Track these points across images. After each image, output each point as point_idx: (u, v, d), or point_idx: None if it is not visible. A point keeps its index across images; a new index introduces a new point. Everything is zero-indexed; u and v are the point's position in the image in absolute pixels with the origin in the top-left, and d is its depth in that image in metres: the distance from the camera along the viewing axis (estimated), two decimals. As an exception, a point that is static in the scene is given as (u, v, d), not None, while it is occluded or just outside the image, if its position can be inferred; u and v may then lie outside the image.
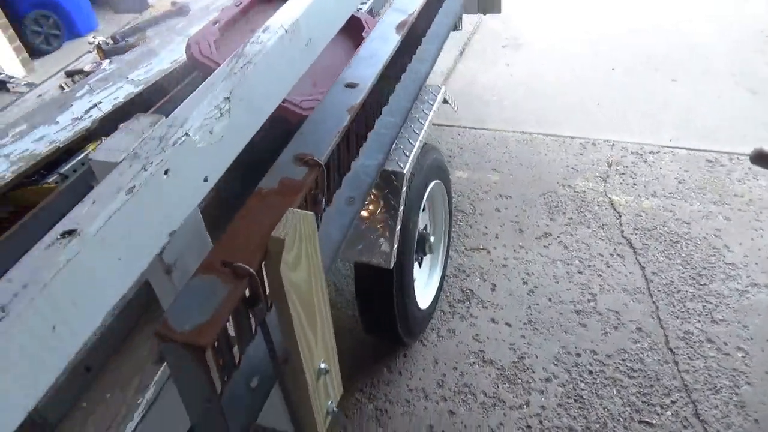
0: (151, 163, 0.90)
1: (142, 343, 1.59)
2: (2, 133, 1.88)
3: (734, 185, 3.22)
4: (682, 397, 2.26)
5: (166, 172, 0.91)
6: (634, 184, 3.32)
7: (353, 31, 2.16)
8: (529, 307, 2.70)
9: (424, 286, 2.61)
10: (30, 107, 2.19)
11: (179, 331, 0.83)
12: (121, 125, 1.03)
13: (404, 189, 1.93)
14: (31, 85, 2.75)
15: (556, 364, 2.44)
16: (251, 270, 0.93)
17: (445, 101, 2.44)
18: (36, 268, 0.73)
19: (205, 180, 1.02)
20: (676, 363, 2.37)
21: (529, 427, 2.24)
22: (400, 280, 2.10)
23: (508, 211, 3.26)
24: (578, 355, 2.46)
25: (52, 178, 1.80)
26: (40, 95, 2.35)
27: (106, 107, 1.97)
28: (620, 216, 3.12)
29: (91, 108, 1.97)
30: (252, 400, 1.15)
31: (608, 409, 2.25)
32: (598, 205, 3.21)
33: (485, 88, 4.51)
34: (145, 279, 1.50)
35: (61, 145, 1.82)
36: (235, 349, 1.07)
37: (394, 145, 1.89)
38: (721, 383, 2.28)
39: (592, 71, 4.52)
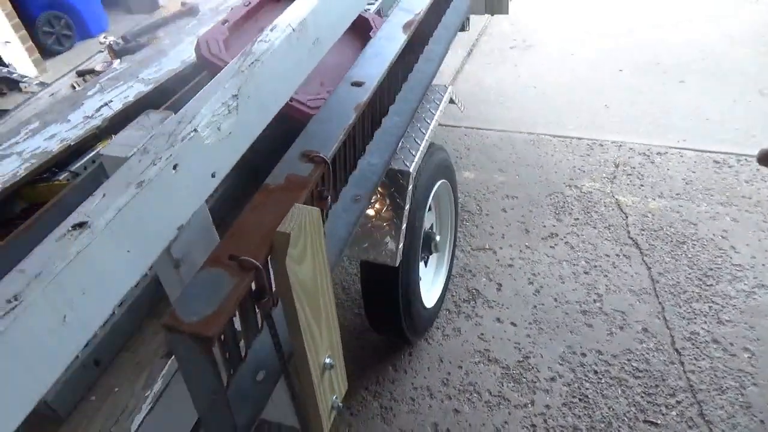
0: (160, 158, 0.92)
1: (150, 339, 1.61)
2: (15, 131, 1.91)
3: (742, 186, 3.21)
4: (687, 397, 2.25)
5: (174, 167, 0.93)
6: (641, 185, 3.32)
7: (361, 31, 2.17)
8: (535, 306, 2.70)
9: (430, 284, 2.62)
10: (42, 106, 2.23)
11: (186, 322, 0.85)
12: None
13: (410, 188, 1.95)
14: (43, 85, 2.79)
15: (561, 364, 2.44)
16: (257, 263, 0.95)
17: (451, 101, 2.45)
18: (48, 259, 0.75)
19: (213, 175, 1.04)
20: (682, 363, 2.37)
21: (533, 425, 2.24)
22: (405, 278, 2.12)
23: (515, 212, 3.27)
24: (583, 354, 2.46)
25: (63, 176, 1.83)
26: (53, 94, 2.39)
27: (117, 106, 2.00)
28: (627, 217, 3.12)
29: (101, 107, 2.00)
30: (258, 394, 1.16)
31: (613, 409, 2.25)
32: (605, 206, 3.21)
33: (492, 89, 4.52)
34: (154, 277, 1.54)
35: (72, 143, 1.85)
36: (242, 344, 1.09)
37: (400, 144, 1.91)
38: (726, 384, 2.27)
39: (600, 72, 4.51)
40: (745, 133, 3.62)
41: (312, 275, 1.07)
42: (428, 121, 2.18)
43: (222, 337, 0.94)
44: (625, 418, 2.22)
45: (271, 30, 1.24)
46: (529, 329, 2.60)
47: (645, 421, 2.20)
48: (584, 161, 3.58)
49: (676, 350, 2.43)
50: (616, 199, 3.24)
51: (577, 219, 3.15)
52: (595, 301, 2.68)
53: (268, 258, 1.00)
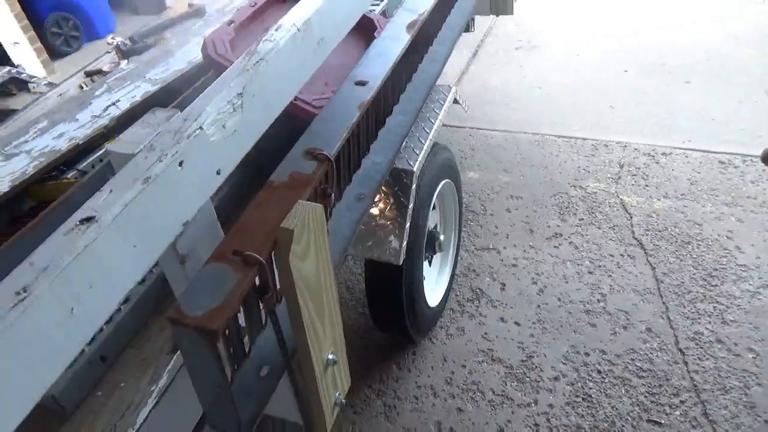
0: (167, 155, 0.93)
1: (156, 336, 1.63)
2: (24, 130, 1.93)
3: (747, 187, 3.21)
4: (691, 397, 2.25)
5: (180, 164, 0.95)
6: (646, 186, 3.32)
7: (365, 32, 2.19)
8: (539, 306, 2.71)
9: (434, 283, 2.63)
10: (51, 105, 2.25)
11: (191, 315, 0.87)
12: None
13: (414, 187, 1.96)
14: (51, 85, 2.81)
15: (564, 363, 2.45)
16: (261, 259, 0.96)
17: (455, 101, 2.46)
18: (56, 253, 0.77)
19: (218, 173, 1.06)
20: (686, 363, 2.37)
21: (536, 425, 2.25)
22: (409, 276, 2.13)
23: (519, 212, 3.27)
24: (587, 354, 2.46)
25: (71, 174, 1.85)
26: (61, 94, 2.41)
27: (124, 105, 2.02)
28: (631, 217, 3.12)
29: (109, 106, 2.02)
30: (261, 389, 1.17)
31: (616, 408, 2.25)
32: (610, 206, 3.21)
33: (497, 90, 4.53)
34: (159, 274, 1.56)
35: (80, 142, 1.87)
36: (246, 340, 1.11)
37: (404, 144, 1.92)
38: (730, 384, 2.27)
39: (604, 73, 4.52)
40: (751, 134, 3.61)
41: (315, 272, 1.08)
42: (432, 120, 2.19)
43: (226, 332, 0.95)
44: (629, 418, 2.22)
45: (276, 30, 1.26)
46: (533, 329, 2.61)
47: (648, 421, 2.20)
48: (589, 162, 3.58)
49: (680, 350, 2.42)
50: (621, 200, 3.24)
51: (582, 219, 3.15)
52: (599, 300, 2.69)
53: (272, 254, 1.01)
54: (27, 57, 5.48)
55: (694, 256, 2.83)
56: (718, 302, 2.59)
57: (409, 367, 2.54)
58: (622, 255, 2.90)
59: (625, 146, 3.66)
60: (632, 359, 2.42)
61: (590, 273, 2.83)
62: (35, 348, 0.73)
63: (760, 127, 3.66)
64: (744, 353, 2.38)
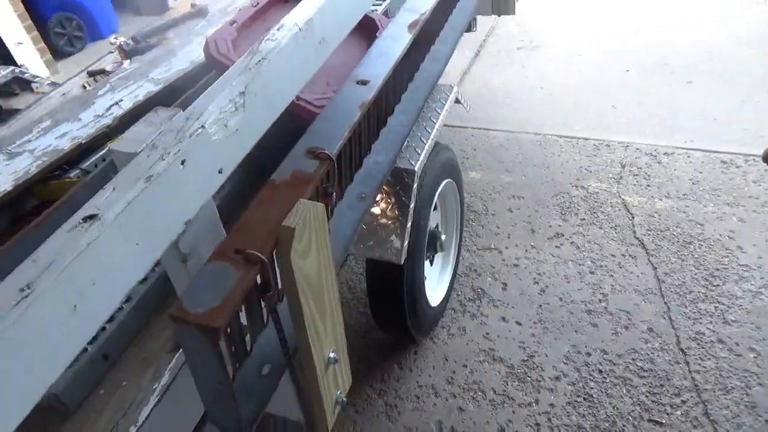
0: (169, 153, 0.94)
1: (158, 335, 1.63)
2: (27, 130, 1.94)
3: (749, 187, 3.20)
4: (692, 396, 2.25)
5: (182, 163, 0.95)
6: (648, 186, 3.32)
7: (367, 32, 2.19)
8: (540, 306, 2.71)
9: (435, 283, 2.64)
10: (54, 105, 2.26)
11: (193, 313, 0.87)
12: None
13: (415, 186, 1.96)
14: (54, 85, 2.82)
15: (566, 363, 2.45)
16: (263, 257, 0.96)
17: (457, 101, 2.46)
18: (59, 250, 0.77)
19: (220, 171, 1.06)
20: (687, 363, 2.37)
21: (537, 424, 2.25)
22: (410, 275, 2.13)
23: (521, 212, 3.28)
24: (588, 354, 2.47)
25: (74, 173, 1.86)
26: (64, 94, 2.42)
27: (127, 105, 2.03)
28: (633, 217, 3.12)
29: (112, 106, 2.03)
30: (263, 388, 1.18)
31: (617, 408, 2.25)
32: (611, 206, 3.21)
33: (499, 90, 4.53)
34: (161, 273, 1.56)
35: (83, 142, 1.88)
36: (248, 339, 1.11)
37: (405, 143, 1.93)
38: (732, 384, 2.27)
39: (606, 73, 4.52)
40: (753, 134, 3.61)
41: (317, 270, 1.08)
42: (434, 120, 2.19)
43: (228, 330, 0.96)
44: (630, 417, 2.22)
45: (278, 29, 1.26)
46: (534, 328, 2.61)
47: (650, 420, 2.20)
48: (591, 162, 3.58)
49: (682, 350, 2.43)
50: (623, 200, 3.24)
51: (583, 219, 3.15)
52: (600, 300, 2.69)
53: (274, 253, 1.02)
54: (30, 57, 5.50)
55: (696, 256, 2.83)
56: (719, 302, 2.59)
57: (411, 366, 2.54)
58: (623, 255, 2.90)
59: (627, 146, 3.66)
60: (633, 359, 2.42)
61: (592, 273, 2.83)
62: (39, 344, 0.73)
63: (763, 127, 3.65)
64: (745, 353, 2.38)
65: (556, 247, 3.01)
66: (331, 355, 1.23)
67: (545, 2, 5.83)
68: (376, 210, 1.96)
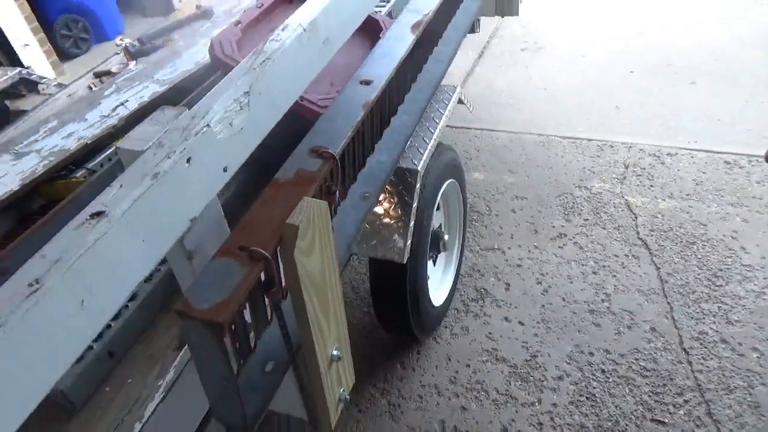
0: (175, 151, 0.95)
1: (163, 333, 1.65)
2: (34, 130, 1.96)
3: (753, 187, 3.20)
4: (695, 396, 2.26)
5: (188, 161, 0.97)
6: (651, 186, 3.32)
7: (371, 33, 2.20)
8: (543, 306, 2.71)
9: (438, 283, 2.65)
10: (60, 106, 2.28)
11: (198, 308, 0.88)
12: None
13: (418, 186, 1.97)
14: (60, 86, 2.85)
15: (568, 363, 2.45)
16: (267, 254, 0.98)
17: (460, 101, 2.47)
18: (67, 246, 0.79)
19: (225, 170, 1.08)
20: (690, 363, 2.37)
21: (540, 424, 2.26)
22: (413, 275, 2.14)
23: (524, 212, 3.28)
24: (591, 354, 2.47)
25: (80, 173, 1.88)
26: (70, 95, 2.44)
27: (133, 105, 2.05)
28: (636, 217, 3.12)
29: (118, 106, 2.05)
30: (266, 384, 1.19)
31: (620, 408, 2.26)
32: (614, 207, 3.21)
33: (503, 91, 4.54)
34: (166, 272, 1.58)
35: (89, 142, 1.90)
36: (252, 336, 1.12)
37: (408, 143, 1.94)
38: (735, 383, 2.27)
39: (610, 74, 4.52)
40: (757, 134, 3.60)
41: (320, 268, 1.10)
42: (437, 120, 2.21)
43: (233, 327, 0.97)
44: (633, 417, 2.22)
45: (282, 29, 1.28)
46: (537, 328, 2.62)
47: (652, 420, 2.20)
48: (594, 162, 3.59)
49: (684, 350, 2.43)
50: (626, 200, 3.25)
51: (587, 219, 3.16)
52: (603, 300, 2.69)
53: (278, 250, 1.03)
54: (37, 58, 5.54)
55: (699, 256, 2.83)
56: (722, 302, 2.59)
57: (414, 366, 2.55)
58: (626, 255, 2.91)
59: (631, 147, 3.67)
60: (636, 359, 2.42)
61: (595, 273, 2.84)
62: (47, 339, 0.74)
63: (766, 128, 3.65)
64: (748, 353, 2.38)
65: (559, 247, 3.01)
66: (335, 352, 1.24)
67: (549, 3, 5.84)
68: (379, 209, 1.98)
